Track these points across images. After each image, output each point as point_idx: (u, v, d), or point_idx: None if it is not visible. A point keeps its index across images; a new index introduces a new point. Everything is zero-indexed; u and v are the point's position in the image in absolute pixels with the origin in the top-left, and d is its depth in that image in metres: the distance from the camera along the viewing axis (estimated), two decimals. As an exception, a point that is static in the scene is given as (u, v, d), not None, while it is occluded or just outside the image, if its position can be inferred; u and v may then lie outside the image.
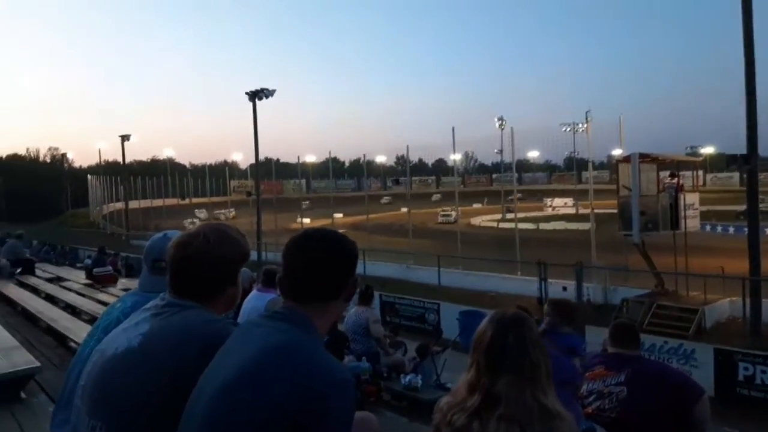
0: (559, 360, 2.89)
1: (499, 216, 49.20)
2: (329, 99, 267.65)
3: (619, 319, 5.12)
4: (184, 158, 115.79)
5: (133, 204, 51.62)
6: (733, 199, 35.30)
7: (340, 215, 49.85)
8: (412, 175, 59.40)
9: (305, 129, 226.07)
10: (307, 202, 61.10)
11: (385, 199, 53.79)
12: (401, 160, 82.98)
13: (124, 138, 45.67)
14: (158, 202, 60.44)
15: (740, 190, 25.85)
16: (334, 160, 61.90)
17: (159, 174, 65.86)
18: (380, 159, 78.03)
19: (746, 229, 14.55)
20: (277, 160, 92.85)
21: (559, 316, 4.26)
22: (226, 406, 1.25)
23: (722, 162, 24.80)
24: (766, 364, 9.41)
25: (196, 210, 60.51)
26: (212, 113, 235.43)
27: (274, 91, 29.43)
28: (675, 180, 16.09)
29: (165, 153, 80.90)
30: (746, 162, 13.52)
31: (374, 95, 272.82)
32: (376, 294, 13.68)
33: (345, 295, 1.47)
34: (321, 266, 1.42)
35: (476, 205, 64.04)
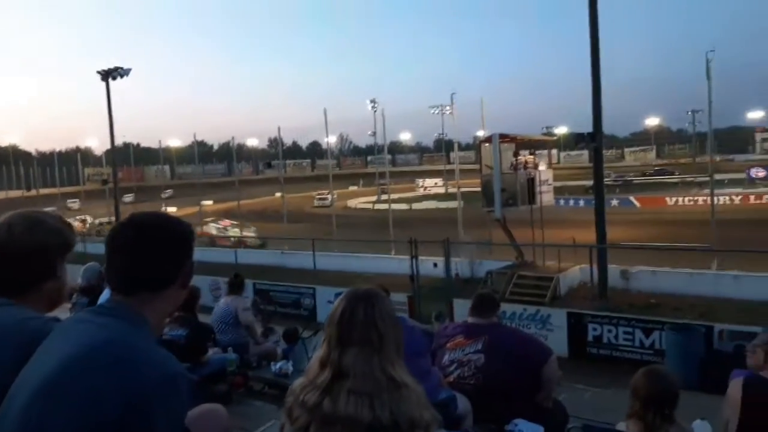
0: (412, 331, 2.96)
1: (374, 198, 50.12)
2: (194, 79, 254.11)
3: (478, 291, 5.36)
4: (30, 145, 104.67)
5: (-30, 197, 46.02)
6: (584, 174, 38.62)
7: (210, 202, 47.91)
8: (286, 158, 58.66)
9: (168, 111, 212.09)
10: (170, 191, 57.98)
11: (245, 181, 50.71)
12: (274, 143, 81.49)
13: (-46, 123, 40.42)
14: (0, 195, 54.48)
15: (588, 166, 28.36)
16: (201, 143, 59.50)
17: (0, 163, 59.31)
18: (252, 142, 76.32)
19: (594, 202, 15.83)
20: (138, 144, 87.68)
21: None
22: (41, 411, 1.13)
23: (573, 141, 26.99)
24: (612, 324, 10.35)
25: (69, 200, 55.29)
26: (61, 95, 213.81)
27: (129, 70, 27.29)
28: (521, 159, 17.31)
29: (7, 139, 73.01)
30: (592, 140, 14.70)
31: (244, 75, 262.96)
32: (250, 282, 13.34)
33: (180, 281, 1.35)
34: (147, 252, 1.30)
35: (352, 188, 64.84)
